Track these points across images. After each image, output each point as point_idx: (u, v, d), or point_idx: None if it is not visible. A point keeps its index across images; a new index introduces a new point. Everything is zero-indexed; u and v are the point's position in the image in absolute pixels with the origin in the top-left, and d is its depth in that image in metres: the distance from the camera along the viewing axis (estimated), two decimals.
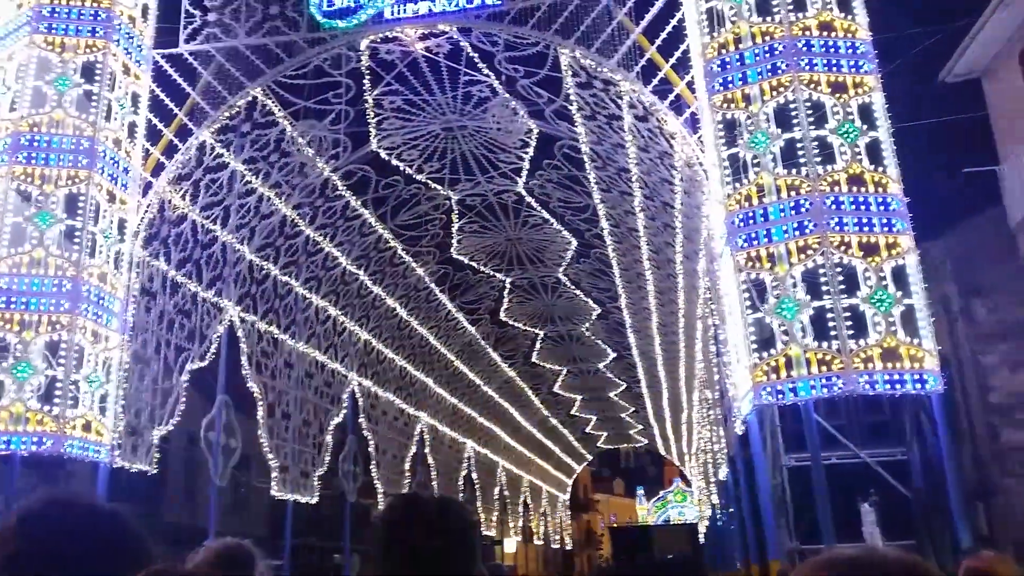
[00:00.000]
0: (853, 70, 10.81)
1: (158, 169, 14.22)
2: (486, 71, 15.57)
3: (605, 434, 49.31)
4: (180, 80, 14.29)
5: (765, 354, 10.31)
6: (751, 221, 10.67)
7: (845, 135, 10.51)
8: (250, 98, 14.71)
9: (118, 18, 12.98)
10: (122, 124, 13.05)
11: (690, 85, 12.31)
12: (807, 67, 10.79)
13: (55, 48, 12.54)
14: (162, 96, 14.12)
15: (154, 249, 14.41)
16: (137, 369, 13.65)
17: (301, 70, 14.65)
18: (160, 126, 14.18)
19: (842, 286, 10.10)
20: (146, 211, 13.92)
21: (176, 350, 14.95)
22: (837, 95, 10.69)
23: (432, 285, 25.25)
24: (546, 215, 22.03)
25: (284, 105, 15.59)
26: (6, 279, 11.70)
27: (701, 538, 40.45)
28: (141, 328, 13.89)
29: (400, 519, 2.28)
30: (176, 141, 14.39)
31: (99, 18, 12.80)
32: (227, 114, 14.64)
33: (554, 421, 43.80)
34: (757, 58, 11.04)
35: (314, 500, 19.90)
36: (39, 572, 1.54)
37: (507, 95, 16.40)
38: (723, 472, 20.55)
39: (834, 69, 10.80)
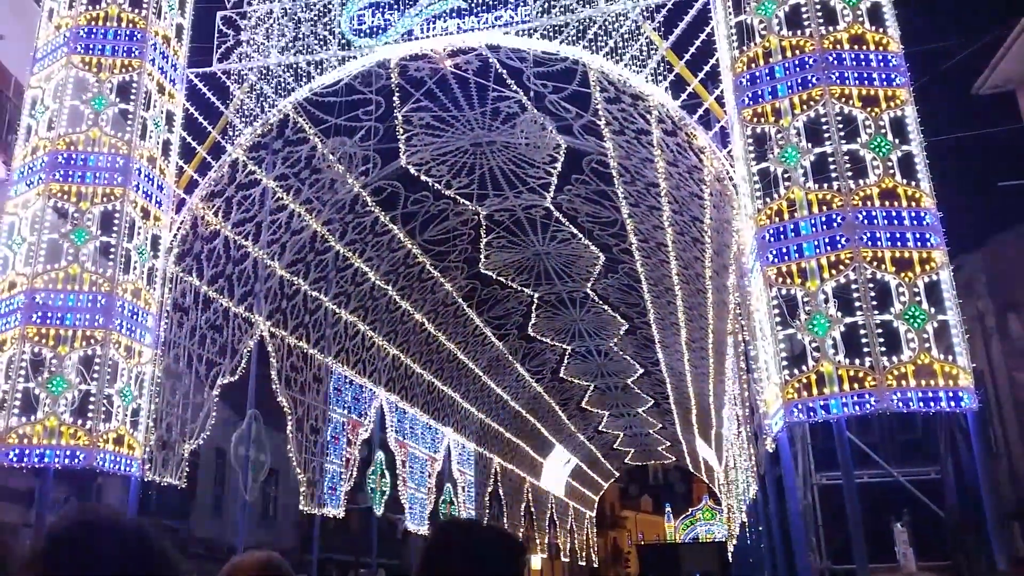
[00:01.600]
0: (885, 83, 10.68)
1: (191, 186, 14.41)
2: (515, 87, 15.65)
3: (633, 450, 48.97)
4: (213, 98, 14.51)
5: (796, 371, 10.17)
6: (782, 236, 10.56)
7: (877, 149, 10.39)
8: (282, 116, 14.87)
9: (153, 38, 13.20)
10: (156, 142, 13.25)
11: (719, 99, 12.25)
12: (838, 80, 10.67)
13: (91, 68, 12.78)
14: (195, 114, 14.34)
15: (187, 265, 14.58)
16: (169, 383, 13.79)
17: (332, 88, 14.80)
18: (193, 144, 14.38)
19: (874, 302, 9.95)
20: (179, 227, 14.10)
21: (207, 364, 15.09)
22: (869, 109, 10.56)
23: (460, 300, 25.30)
24: (574, 230, 22.03)
25: (315, 122, 15.76)
26: (42, 295, 11.89)
27: (730, 557, 39.97)
28: (173, 343, 14.04)
29: (441, 544, 2.29)
30: (209, 158, 14.56)
31: (134, 38, 13.02)
32: (259, 131, 14.81)
33: (581, 437, 43.58)
34: (787, 72, 10.95)
35: (341, 514, 19.96)
36: None
37: (536, 111, 16.46)
38: (753, 490, 20.31)
39: (866, 82, 10.68)
